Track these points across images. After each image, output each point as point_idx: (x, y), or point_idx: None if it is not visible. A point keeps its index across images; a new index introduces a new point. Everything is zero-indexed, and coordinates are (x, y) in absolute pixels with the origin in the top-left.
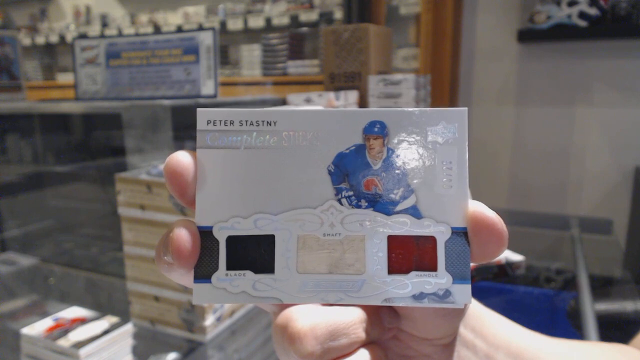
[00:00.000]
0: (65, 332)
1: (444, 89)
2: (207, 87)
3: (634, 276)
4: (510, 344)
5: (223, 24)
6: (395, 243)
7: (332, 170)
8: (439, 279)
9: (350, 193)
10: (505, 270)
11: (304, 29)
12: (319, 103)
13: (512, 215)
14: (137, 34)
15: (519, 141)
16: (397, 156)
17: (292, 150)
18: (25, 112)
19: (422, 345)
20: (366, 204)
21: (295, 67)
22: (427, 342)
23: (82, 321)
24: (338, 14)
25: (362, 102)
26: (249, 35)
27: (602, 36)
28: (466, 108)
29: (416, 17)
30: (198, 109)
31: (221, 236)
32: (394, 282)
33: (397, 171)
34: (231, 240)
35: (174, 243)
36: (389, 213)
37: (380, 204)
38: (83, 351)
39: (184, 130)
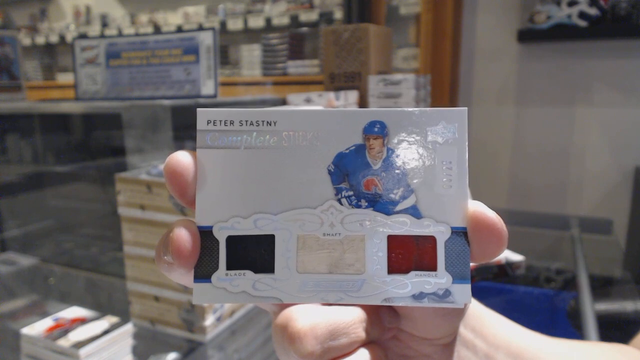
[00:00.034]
0: (65, 332)
1: (444, 89)
2: (207, 87)
3: (634, 276)
4: (510, 344)
5: (223, 24)
6: (395, 243)
7: (332, 170)
8: (438, 279)
9: (350, 193)
10: (505, 270)
11: (304, 29)
12: (319, 103)
13: (512, 215)
14: (137, 34)
15: (519, 141)
16: (397, 156)
17: (292, 150)
18: (25, 112)
19: (422, 345)
20: (366, 203)
21: (295, 67)
22: (427, 342)
23: (82, 321)
24: (338, 14)
25: (362, 102)
26: (249, 35)
27: (602, 36)
28: (466, 108)
29: (416, 17)
30: (198, 109)
31: (221, 236)
32: (394, 281)
33: (397, 171)
34: (231, 240)
35: (174, 243)
36: (388, 213)
37: (380, 204)
38: (83, 351)
39: (184, 130)
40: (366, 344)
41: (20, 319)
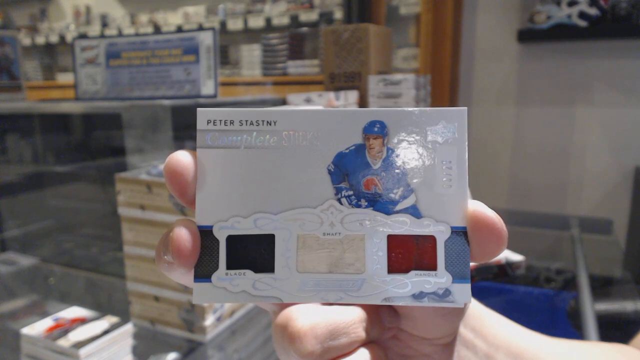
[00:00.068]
0: (65, 332)
1: (444, 89)
2: (207, 87)
3: (634, 276)
4: (510, 344)
5: (223, 24)
6: (395, 242)
7: (332, 170)
8: (438, 278)
9: (350, 192)
10: (505, 270)
11: (304, 29)
12: (319, 103)
13: (512, 215)
14: (137, 34)
15: (519, 141)
16: (397, 156)
17: (292, 149)
18: (25, 112)
19: (422, 345)
20: (366, 203)
21: (295, 67)
22: (427, 341)
23: (82, 321)
24: (338, 14)
25: (362, 102)
26: (249, 35)
27: (602, 36)
28: (466, 108)
29: (416, 17)
30: (198, 109)
31: (221, 235)
32: (394, 281)
33: (396, 171)
34: (231, 240)
35: (174, 242)
36: (388, 212)
37: (380, 204)
38: (83, 351)
39: (184, 130)
40: (366, 343)
41: (20, 319)
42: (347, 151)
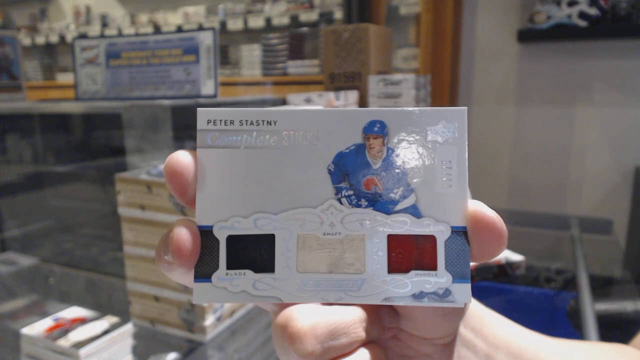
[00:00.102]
0: (65, 332)
1: (444, 89)
2: (207, 87)
3: (634, 276)
4: (510, 344)
5: (223, 24)
6: (395, 242)
7: (332, 170)
8: (438, 278)
9: (350, 192)
10: (505, 270)
11: (304, 29)
12: (319, 103)
13: (512, 215)
14: (137, 34)
15: (519, 141)
16: (397, 155)
17: (292, 149)
18: (25, 112)
19: (422, 345)
20: (366, 203)
21: (295, 67)
22: (427, 341)
23: (82, 321)
24: (338, 14)
25: (362, 102)
26: (249, 35)
27: (602, 36)
28: (466, 107)
29: (416, 17)
30: (198, 109)
31: (221, 235)
32: (394, 281)
33: (396, 170)
34: (231, 240)
35: (174, 242)
36: (388, 212)
37: (380, 203)
38: (83, 351)
39: (184, 130)
40: (366, 343)
41: (20, 319)
42: (347, 151)
